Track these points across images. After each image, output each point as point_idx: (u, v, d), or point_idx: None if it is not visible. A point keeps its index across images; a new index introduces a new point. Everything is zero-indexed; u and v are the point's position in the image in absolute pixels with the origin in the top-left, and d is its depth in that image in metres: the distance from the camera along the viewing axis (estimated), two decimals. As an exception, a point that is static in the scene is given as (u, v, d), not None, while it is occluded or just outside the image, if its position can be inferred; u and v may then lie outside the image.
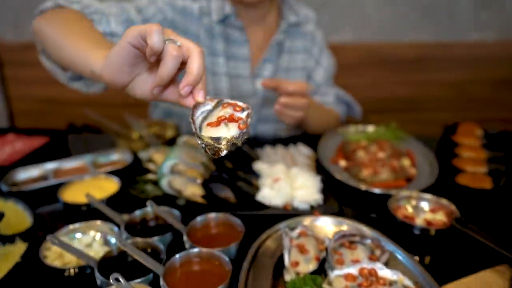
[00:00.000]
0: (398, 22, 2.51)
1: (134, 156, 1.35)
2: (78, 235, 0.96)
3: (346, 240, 0.92)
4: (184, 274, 0.82)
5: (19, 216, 1.06)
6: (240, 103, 0.70)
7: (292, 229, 0.96)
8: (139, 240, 0.89)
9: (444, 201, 1.07)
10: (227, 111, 0.69)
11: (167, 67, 0.64)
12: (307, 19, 1.62)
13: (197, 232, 0.96)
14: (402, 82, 2.62)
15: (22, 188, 1.16)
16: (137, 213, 1.00)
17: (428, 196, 1.10)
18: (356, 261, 0.85)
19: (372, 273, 0.79)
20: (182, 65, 0.67)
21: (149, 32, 0.62)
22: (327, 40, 1.73)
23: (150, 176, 1.21)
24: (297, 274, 0.84)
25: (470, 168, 1.25)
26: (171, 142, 1.43)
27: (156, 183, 1.17)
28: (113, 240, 0.94)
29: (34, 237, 0.97)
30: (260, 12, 1.51)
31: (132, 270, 0.83)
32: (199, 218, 0.98)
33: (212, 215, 0.99)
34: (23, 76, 2.58)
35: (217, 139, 0.65)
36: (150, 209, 0.98)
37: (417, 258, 0.93)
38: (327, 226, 1.00)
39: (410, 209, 1.08)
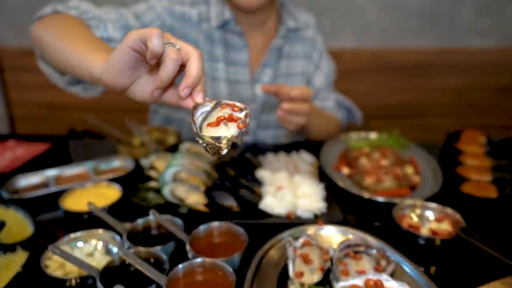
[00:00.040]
0: (399, 28, 2.51)
1: (135, 163, 1.34)
2: (80, 244, 0.95)
3: (351, 250, 0.91)
4: (187, 284, 0.81)
5: (20, 224, 1.04)
6: (238, 104, 0.72)
7: (296, 238, 0.95)
8: (141, 249, 0.88)
9: (449, 210, 1.06)
10: (225, 112, 0.71)
11: (167, 69, 0.65)
12: (307, 25, 1.62)
13: (200, 241, 0.95)
14: (403, 88, 2.61)
15: (23, 195, 1.15)
16: (139, 221, 0.99)
17: (433, 205, 1.09)
18: (361, 272, 0.84)
19: (378, 285, 0.77)
20: (181, 68, 0.69)
21: (149, 36, 0.63)
22: (328, 45, 1.73)
23: (152, 184, 1.20)
24: (302, 285, 0.83)
25: (475, 176, 1.25)
26: (172, 149, 1.43)
27: (158, 191, 1.16)
28: (115, 250, 0.93)
29: (35, 245, 0.96)
30: (259, 18, 1.52)
31: (134, 280, 0.82)
32: (202, 227, 0.97)
33: (215, 224, 0.98)
34: (23, 81, 2.57)
35: (218, 138, 0.67)
36: (152, 217, 0.98)
37: (422, 269, 0.92)
38: (331, 235, 0.99)
39: (415, 218, 1.07)
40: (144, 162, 1.31)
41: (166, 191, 1.11)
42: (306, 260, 0.89)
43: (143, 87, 0.74)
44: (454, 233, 0.99)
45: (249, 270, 0.85)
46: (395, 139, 1.52)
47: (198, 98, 0.70)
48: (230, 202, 1.10)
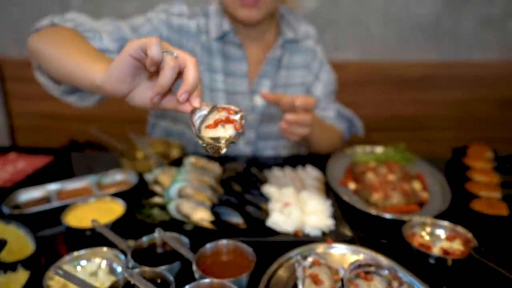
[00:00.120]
0: (402, 41, 2.52)
1: (139, 177, 1.32)
2: (83, 262, 0.92)
3: (362, 271, 0.88)
4: (194, 307, 0.78)
5: (20, 241, 1.02)
6: (233, 107, 0.77)
7: (305, 257, 0.93)
8: (146, 269, 0.85)
9: (460, 229, 1.04)
10: (222, 114, 0.76)
11: (166, 76, 0.70)
12: (307, 36, 1.61)
13: (207, 259, 0.93)
14: (405, 100, 2.61)
15: (24, 211, 1.13)
16: (144, 239, 0.96)
17: (444, 223, 1.06)
18: (374, 294, 0.82)
19: (392, 308, 0.75)
20: (178, 75, 0.73)
21: (149, 44, 0.67)
22: (330, 57, 1.72)
23: (157, 200, 1.18)
24: (313, 307, 0.81)
25: (484, 193, 1.23)
26: (176, 163, 1.41)
27: (163, 207, 1.14)
28: (119, 269, 0.91)
29: (37, 264, 0.93)
30: (259, 30, 1.52)
31: (140, 302, 0.79)
32: (208, 246, 0.94)
33: (222, 242, 0.95)
34: (24, 91, 2.56)
35: (217, 139, 0.73)
36: (157, 235, 0.95)
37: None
38: (341, 254, 0.97)
39: (426, 237, 1.05)
40: (149, 177, 1.29)
41: (171, 207, 1.08)
42: (315, 280, 0.86)
43: (143, 94, 0.78)
44: (467, 253, 0.96)
45: (258, 292, 0.82)
46: (401, 154, 1.50)
47: (196, 102, 0.74)
48: (236, 219, 1.08)
